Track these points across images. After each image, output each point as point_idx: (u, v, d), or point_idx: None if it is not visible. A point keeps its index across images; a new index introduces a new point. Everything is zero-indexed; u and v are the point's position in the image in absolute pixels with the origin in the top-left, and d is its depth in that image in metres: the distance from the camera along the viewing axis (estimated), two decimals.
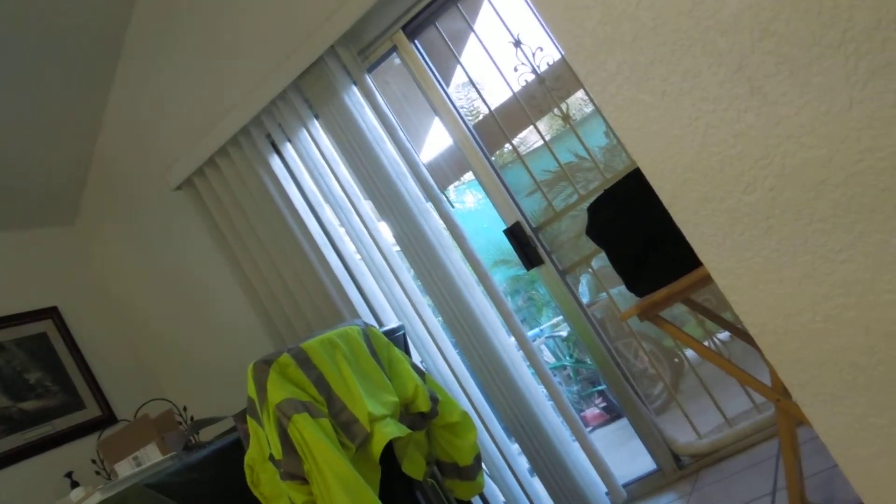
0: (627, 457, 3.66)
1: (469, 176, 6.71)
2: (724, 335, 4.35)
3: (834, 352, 1.03)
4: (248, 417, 2.08)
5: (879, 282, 0.97)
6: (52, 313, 3.66)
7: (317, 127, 3.16)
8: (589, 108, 4.94)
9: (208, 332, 3.72)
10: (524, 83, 2.98)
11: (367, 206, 3.13)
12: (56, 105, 3.42)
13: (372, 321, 3.11)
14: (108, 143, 3.72)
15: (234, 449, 2.37)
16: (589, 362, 5.61)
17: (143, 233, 3.80)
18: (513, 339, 3.02)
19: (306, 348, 2.09)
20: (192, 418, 3.48)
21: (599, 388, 5.58)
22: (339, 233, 3.22)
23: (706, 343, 2.75)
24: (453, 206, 3.04)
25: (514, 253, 2.95)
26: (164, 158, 3.53)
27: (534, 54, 2.91)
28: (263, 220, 3.26)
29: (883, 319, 0.98)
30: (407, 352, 2.72)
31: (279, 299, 3.30)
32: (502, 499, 3.01)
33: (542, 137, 3.04)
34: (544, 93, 2.98)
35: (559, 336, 6.08)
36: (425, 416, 2.33)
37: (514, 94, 2.97)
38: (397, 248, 3.07)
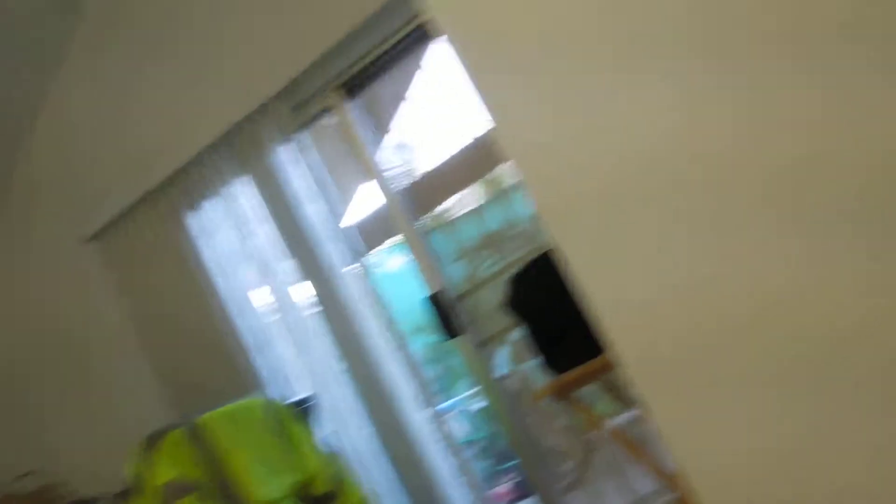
0: None
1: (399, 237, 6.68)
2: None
3: None
4: (133, 498, 1.97)
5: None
6: None
7: (244, 182, 3.08)
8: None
9: (100, 394, 3.45)
10: (461, 146, 2.99)
11: (287, 266, 3.04)
12: None
13: (283, 387, 2.99)
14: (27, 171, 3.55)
15: None
16: (501, 437, 5.55)
17: (40, 281, 3.59)
18: (427, 410, 2.95)
19: (202, 423, 2.02)
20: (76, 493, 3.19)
21: (512, 463, 5.51)
22: (257, 293, 3.13)
23: (629, 413, 2.72)
24: (378, 270, 3.02)
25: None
26: (79, 204, 3.38)
27: (471, 118, 2.93)
28: (174, 279, 3.16)
29: None
30: (315, 423, 2.64)
31: (185, 363, 3.16)
32: None
33: (472, 203, 3.05)
34: (479, 157, 2.99)
35: (473, 409, 6.02)
36: (323, 498, 2.26)
37: (449, 157, 2.98)
38: (316, 310, 2.99)
